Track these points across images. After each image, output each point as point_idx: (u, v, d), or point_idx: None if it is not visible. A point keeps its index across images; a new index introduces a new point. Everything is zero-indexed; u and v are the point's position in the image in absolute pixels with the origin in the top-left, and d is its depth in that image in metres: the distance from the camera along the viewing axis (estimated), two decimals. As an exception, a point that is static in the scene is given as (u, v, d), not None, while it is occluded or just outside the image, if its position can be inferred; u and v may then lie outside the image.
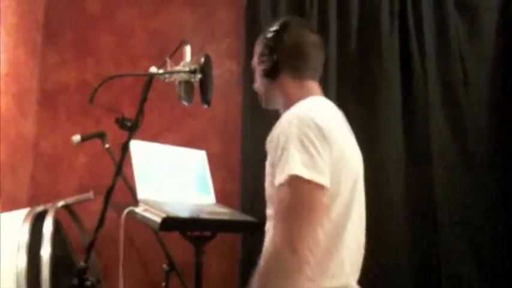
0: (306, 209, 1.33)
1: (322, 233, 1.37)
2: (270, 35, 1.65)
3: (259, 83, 1.70)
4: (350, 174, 1.49)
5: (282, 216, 1.34)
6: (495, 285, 2.62)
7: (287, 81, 1.62)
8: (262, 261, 1.34)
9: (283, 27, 1.65)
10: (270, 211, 1.49)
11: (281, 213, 1.35)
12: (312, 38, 1.67)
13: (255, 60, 1.71)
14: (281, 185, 1.36)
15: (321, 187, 1.34)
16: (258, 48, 1.70)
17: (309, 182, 1.33)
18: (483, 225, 2.67)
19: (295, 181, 1.33)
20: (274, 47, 1.62)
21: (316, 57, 1.66)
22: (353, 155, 1.56)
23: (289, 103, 1.55)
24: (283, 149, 1.37)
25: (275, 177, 1.39)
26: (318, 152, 1.36)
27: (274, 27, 1.66)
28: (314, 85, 1.65)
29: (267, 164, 1.48)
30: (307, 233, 1.31)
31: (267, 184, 1.49)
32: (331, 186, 1.38)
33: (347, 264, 1.48)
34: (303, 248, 1.29)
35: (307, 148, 1.36)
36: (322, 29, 2.86)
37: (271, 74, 1.63)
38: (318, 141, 1.37)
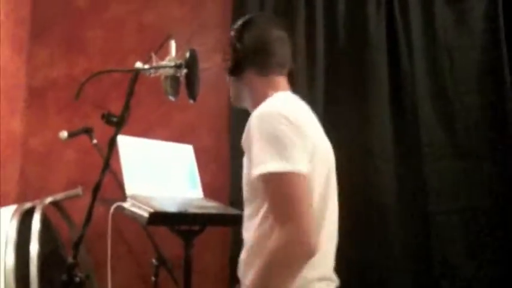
0: (294, 201, 1.33)
1: None
2: (232, 32, 1.66)
3: (227, 81, 1.71)
4: (324, 166, 1.50)
5: (276, 215, 1.35)
6: (488, 274, 2.63)
7: (252, 78, 1.62)
8: (265, 258, 1.33)
9: (246, 25, 1.65)
10: (248, 212, 1.51)
11: (274, 213, 1.36)
12: (277, 34, 1.65)
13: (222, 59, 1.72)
14: (261, 181, 1.37)
15: (297, 175, 1.34)
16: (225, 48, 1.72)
17: (284, 174, 1.33)
18: (475, 215, 2.68)
19: (271, 177, 1.34)
20: (236, 44, 1.63)
21: (281, 53, 1.65)
22: (325, 148, 1.56)
23: (257, 100, 1.55)
24: (255, 146, 1.38)
25: (251, 175, 1.39)
26: (292, 141, 1.37)
27: (237, 25, 1.67)
28: (281, 80, 1.64)
29: (244, 163, 1.49)
30: (306, 222, 1.31)
31: (244, 182, 1.49)
32: (310, 178, 1.39)
33: (328, 254, 1.50)
34: (310, 236, 1.30)
35: (280, 140, 1.36)
36: (310, 21, 2.86)
37: (235, 71, 1.64)
38: (290, 133, 1.37)
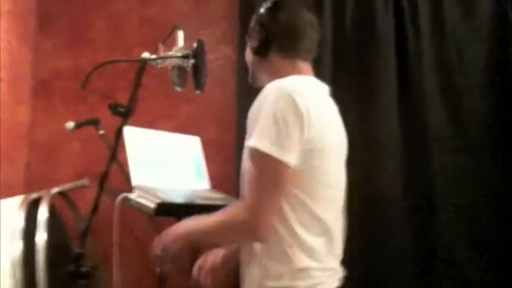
0: (270, 182, 1.36)
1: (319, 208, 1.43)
2: (263, 10, 1.61)
3: (249, 60, 1.68)
4: (332, 156, 1.50)
5: (250, 187, 1.38)
6: (492, 269, 2.62)
7: (277, 60, 1.58)
8: (225, 216, 1.44)
9: (278, 4, 1.61)
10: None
11: (249, 185, 1.38)
12: (308, 17, 1.62)
13: (247, 37, 1.67)
14: (248, 155, 1.39)
15: (282, 164, 1.35)
16: (251, 24, 1.66)
17: (269, 156, 1.35)
18: (481, 208, 2.67)
19: (257, 154, 1.36)
20: (266, 23, 1.58)
21: (310, 38, 1.61)
22: (337, 139, 1.57)
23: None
24: (256, 122, 1.39)
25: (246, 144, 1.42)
26: (287, 128, 1.36)
27: (268, 5, 1.61)
28: (306, 66, 1.61)
29: (243, 156, 1.47)
30: (270, 205, 1.36)
31: (242, 174, 1.48)
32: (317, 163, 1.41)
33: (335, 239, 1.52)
34: (265, 219, 1.35)
35: (277, 123, 1.36)
36: (318, 13, 2.82)
37: (261, 51, 1.59)
38: (290, 118, 1.37)
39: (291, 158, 1.36)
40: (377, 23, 2.83)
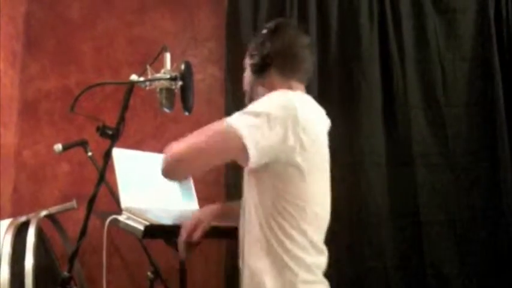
0: (214, 144, 1.49)
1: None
2: (265, 31, 1.66)
3: (247, 81, 1.72)
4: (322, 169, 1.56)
5: (196, 134, 1.51)
6: (479, 283, 2.64)
7: (274, 79, 1.63)
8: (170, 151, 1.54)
9: (279, 27, 1.67)
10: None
11: (197, 133, 1.52)
12: (306, 41, 1.69)
13: (247, 57, 1.72)
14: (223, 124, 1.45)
15: (236, 136, 1.41)
16: (251, 46, 1.71)
17: (231, 128, 1.42)
18: (466, 224, 2.70)
19: (229, 128, 1.43)
20: (267, 43, 1.63)
21: (307, 60, 1.68)
22: (325, 153, 1.61)
23: None
24: (250, 112, 1.45)
25: None
26: (270, 134, 1.41)
27: (270, 26, 1.67)
28: (301, 87, 1.66)
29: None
30: (196, 159, 1.52)
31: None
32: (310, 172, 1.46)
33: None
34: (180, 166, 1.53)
35: (268, 125, 1.40)
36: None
37: (260, 69, 1.64)
38: (282, 122, 1.41)
39: (253, 153, 1.40)
40: (362, 42, 2.88)
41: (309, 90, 2.80)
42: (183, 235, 1.66)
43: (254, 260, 1.49)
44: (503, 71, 2.77)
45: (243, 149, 1.40)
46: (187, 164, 1.52)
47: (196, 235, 1.65)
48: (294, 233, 1.45)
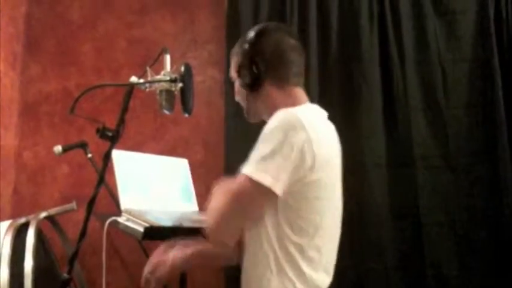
0: (243, 206, 1.43)
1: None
2: (247, 45, 1.57)
3: (241, 96, 1.64)
4: (330, 177, 1.54)
5: (225, 203, 1.46)
6: (479, 284, 2.64)
7: (272, 92, 1.56)
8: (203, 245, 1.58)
9: (260, 35, 1.58)
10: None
11: (224, 200, 1.47)
12: (292, 43, 1.59)
13: (233, 71, 1.63)
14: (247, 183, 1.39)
15: (265, 188, 1.36)
16: (235, 59, 1.62)
17: (255, 183, 1.37)
18: (466, 224, 2.70)
19: (247, 179, 1.38)
20: (253, 57, 1.54)
21: (297, 62, 1.59)
22: (334, 163, 1.57)
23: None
24: (266, 156, 1.38)
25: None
26: (286, 162, 1.37)
27: (251, 36, 1.58)
28: (301, 92, 1.59)
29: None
30: (235, 226, 1.48)
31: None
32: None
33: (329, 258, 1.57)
34: (224, 238, 1.50)
35: (278, 155, 1.36)
36: (303, 34, 2.88)
37: (255, 85, 1.56)
38: (295, 153, 1.37)
39: (277, 187, 1.37)
40: (362, 45, 2.88)
41: (309, 92, 2.81)
42: (144, 269, 1.67)
43: (254, 269, 1.49)
44: (503, 71, 2.76)
45: (271, 191, 1.37)
46: (230, 235, 1.51)
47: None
48: (305, 245, 1.45)
